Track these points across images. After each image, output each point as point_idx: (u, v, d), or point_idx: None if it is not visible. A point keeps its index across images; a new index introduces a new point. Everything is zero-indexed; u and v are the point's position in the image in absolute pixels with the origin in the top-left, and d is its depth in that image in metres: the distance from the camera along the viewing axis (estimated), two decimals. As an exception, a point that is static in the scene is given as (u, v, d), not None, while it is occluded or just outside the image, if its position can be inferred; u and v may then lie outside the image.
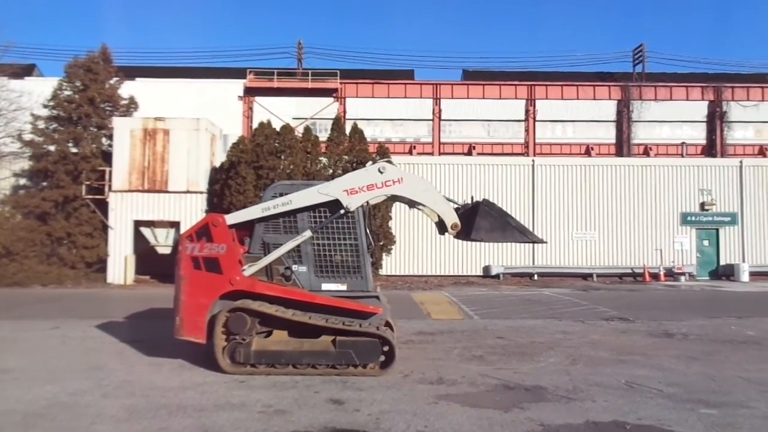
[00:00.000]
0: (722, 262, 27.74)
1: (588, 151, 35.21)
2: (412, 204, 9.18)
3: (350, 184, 8.65)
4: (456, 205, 9.10)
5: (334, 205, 8.58)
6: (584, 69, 42.90)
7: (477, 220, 8.55)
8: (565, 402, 7.05)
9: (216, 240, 8.39)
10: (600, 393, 7.43)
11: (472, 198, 9.16)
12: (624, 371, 8.60)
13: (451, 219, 8.79)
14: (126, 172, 23.79)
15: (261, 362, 8.21)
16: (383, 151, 24.64)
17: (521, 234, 8.90)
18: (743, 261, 27.11)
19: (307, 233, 8.50)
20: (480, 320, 14.21)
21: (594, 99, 35.89)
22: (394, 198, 9.39)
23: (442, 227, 8.97)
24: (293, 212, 8.61)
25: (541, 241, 9.55)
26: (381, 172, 8.65)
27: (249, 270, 8.41)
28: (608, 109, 36.06)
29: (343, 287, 8.65)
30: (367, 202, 9.03)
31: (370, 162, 9.24)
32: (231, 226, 8.58)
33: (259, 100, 34.46)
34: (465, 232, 8.75)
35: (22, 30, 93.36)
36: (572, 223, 27.57)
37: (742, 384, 7.93)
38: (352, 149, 24.57)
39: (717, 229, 27.89)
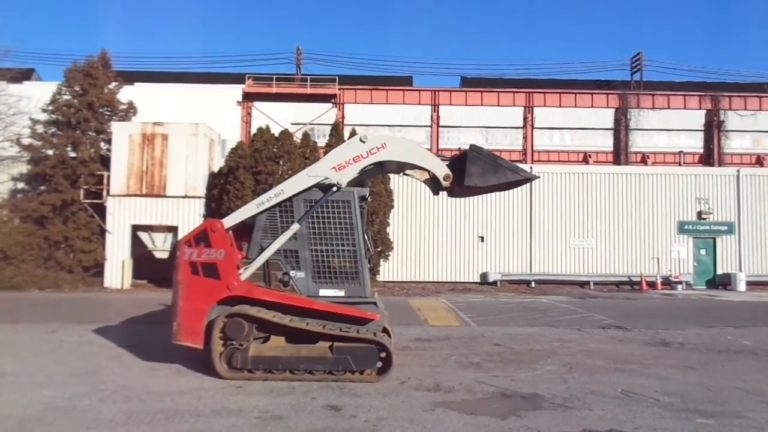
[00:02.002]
0: (719, 272, 27.82)
1: (585, 159, 35.34)
2: (400, 169, 9.10)
3: (337, 160, 8.61)
4: (445, 161, 8.94)
5: (326, 186, 8.59)
6: (582, 77, 43.28)
7: (467, 166, 8.41)
8: (561, 410, 7.06)
9: (214, 245, 8.39)
10: (596, 401, 7.43)
11: (459, 149, 9.01)
12: (621, 380, 8.60)
13: (442, 170, 8.70)
14: (124, 176, 23.81)
15: (258, 368, 8.19)
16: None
17: (513, 172, 8.66)
18: (740, 270, 27.20)
19: (296, 226, 8.46)
20: (477, 327, 14.21)
21: (592, 107, 36.04)
22: (381, 168, 9.26)
23: (435, 185, 8.89)
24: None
25: (534, 177, 9.17)
26: (363, 142, 8.61)
27: (245, 273, 8.42)
28: (606, 117, 36.21)
29: (341, 293, 8.65)
30: (365, 206, 9.00)
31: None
32: (229, 229, 8.59)
33: (258, 106, 34.54)
34: (457, 183, 8.64)
35: (22, 35, 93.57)
36: (569, 230, 27.64)
37: (739, 394, 7.94)
38: (350, 155, 24.56)
39: (714, 238, 27.97)
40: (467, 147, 8.80)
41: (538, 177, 9.58)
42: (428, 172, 8.84)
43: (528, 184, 27.19)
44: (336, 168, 8.52)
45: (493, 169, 8.51)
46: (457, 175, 8.58)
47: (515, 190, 26.86)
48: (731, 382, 8.60)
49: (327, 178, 8.51)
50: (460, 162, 8.62)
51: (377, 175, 10.08)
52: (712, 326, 14.53)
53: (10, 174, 25.92)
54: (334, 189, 8.52)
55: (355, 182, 9.09)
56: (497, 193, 26.77)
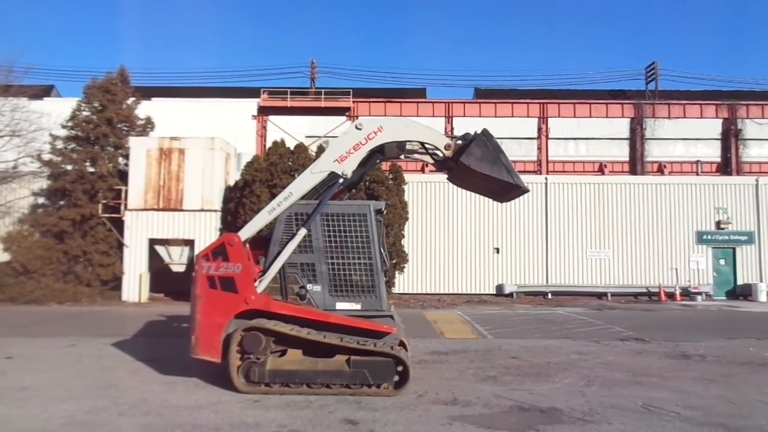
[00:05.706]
0: (739, 282, 27.39)
1: (601, 169, 35.09)
2: (401, 149, 9.06)
3: (337, 152, 8.68)
4: (456, 139, 8.89)
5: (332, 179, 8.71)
6: (597, 87, 42.93)
7: (472, 145, 8.43)
8: (580, 424, 6.99)
9: (232, 259, 8.46)
10: (616, 415, 7.35)
11: (475, 132, 8.83)
12: (640, 393, 8.51)
13: (443, 141, 8.77)
14: (142, 191, 24.08)
15: (275, 381, 8.23)
16: (395, 170, 24.85)
17: (508, 173, 8.46)
18: (761, 280, 26.76)
19: (303, 231, 8.50)
20: (494, 340, 14.13)
21: (607, 117, 35.83)
22: (382, 154, 9.08)
23: (440, 163, 8.94)
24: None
25: (526, 190, 8.78)
26: (360, 128, 8.69)
27: (260, 285, 8.47)
28: (621, 126, 35.98)
29: (358, 306, 8.67)
30: (381, 219, 8.99)
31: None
32: (246, 241, 8.65)
33: (273, 119, 34.80)
34: (454, 159, 8.65)
35: (42, 52, 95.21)
36: (586, 241, 27.43)
37: (762, 407, 7.81)
38: (365, 168, 24.66)
39: (733, 248, 27.58)
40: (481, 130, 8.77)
41: (529, 190, 9.26)
42: (430, 148, 8.87)
43: (544, 194, 27.37)
44: (338, 160, 8.61)
45: (492, 161, 8.43)
46: (459, 153, 8.58)
47: (530, 200, 27.02)
48: (754, 395, 8.47)
49: (331, 172, 8.62)
50: (467, 144, 8.63)
51: (378, 163, 10.14)
52: (734, 338, 14.31)
53: (31, 189, 26.35)
54: (340, 181, 8.64)
55: (359, 174, 9.20)
56: (511, 203, 26.82)
